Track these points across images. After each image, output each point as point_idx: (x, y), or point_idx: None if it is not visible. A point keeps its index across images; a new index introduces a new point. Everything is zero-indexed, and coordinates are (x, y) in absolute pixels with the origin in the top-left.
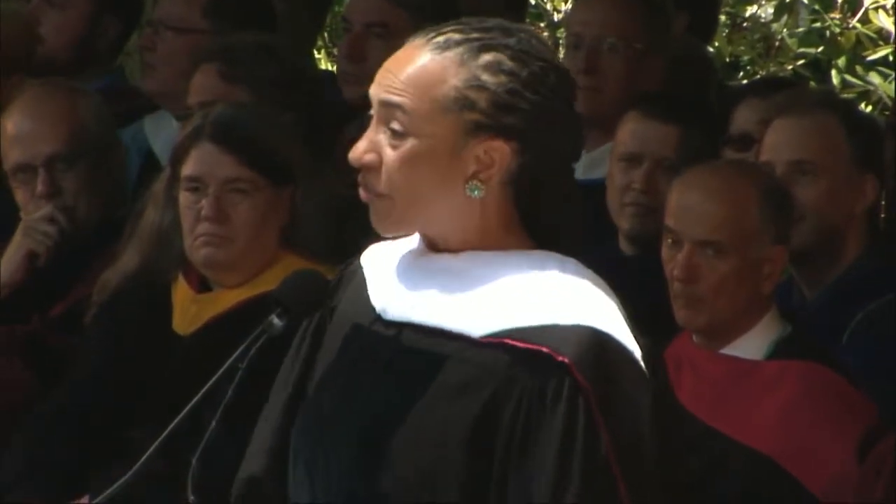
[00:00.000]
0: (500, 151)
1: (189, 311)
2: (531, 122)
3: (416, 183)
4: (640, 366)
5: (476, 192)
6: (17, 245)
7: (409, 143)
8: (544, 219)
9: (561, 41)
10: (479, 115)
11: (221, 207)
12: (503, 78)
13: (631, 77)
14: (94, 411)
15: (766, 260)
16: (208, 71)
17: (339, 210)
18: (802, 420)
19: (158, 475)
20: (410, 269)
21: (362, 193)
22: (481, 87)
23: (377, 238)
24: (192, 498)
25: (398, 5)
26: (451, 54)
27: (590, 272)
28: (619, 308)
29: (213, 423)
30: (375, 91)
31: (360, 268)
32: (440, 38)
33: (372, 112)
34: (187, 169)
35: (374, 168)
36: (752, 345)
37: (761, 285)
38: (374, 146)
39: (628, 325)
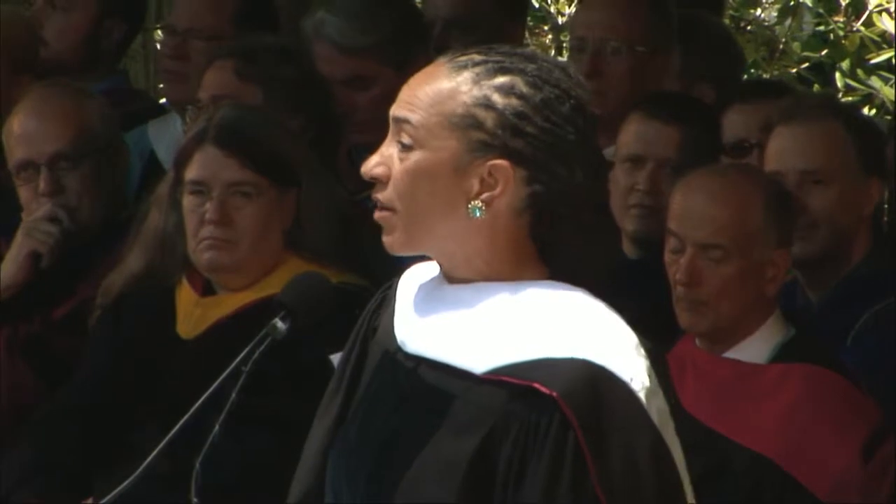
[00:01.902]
0: (504, 173)
1: (193, 314)
2: (539, 149)
3: (420, 197)
4: (637, 399)
5: (477, 213)
6: (19, 245)
7: (416, 156)
8: (561, 250)
9: (565, 45)
10: (486, 135)
11: (225, 211)
12: (514, 101)
13: (635, 80)
14: (97, 413)
15: (770, 263)
16: (224, 67)
17: (342, 212)
18: (805, 422)
19: (162, 477)
20: (426, 301)
21: (375, 213)
22: (490, 106)
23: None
24: (195, 500)
25: (360, 56)
26: (468, 73)
27: (599, 303)
28: (629, 339)
29: (217, 427)
30: (393, 107)
31: (396, 292)
32: (462, 58)
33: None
34: (191, 172)
35: (383, 181)
36: (755, 348)
37: (764, 288)
38: (385, 160)
39: (640, 356)
